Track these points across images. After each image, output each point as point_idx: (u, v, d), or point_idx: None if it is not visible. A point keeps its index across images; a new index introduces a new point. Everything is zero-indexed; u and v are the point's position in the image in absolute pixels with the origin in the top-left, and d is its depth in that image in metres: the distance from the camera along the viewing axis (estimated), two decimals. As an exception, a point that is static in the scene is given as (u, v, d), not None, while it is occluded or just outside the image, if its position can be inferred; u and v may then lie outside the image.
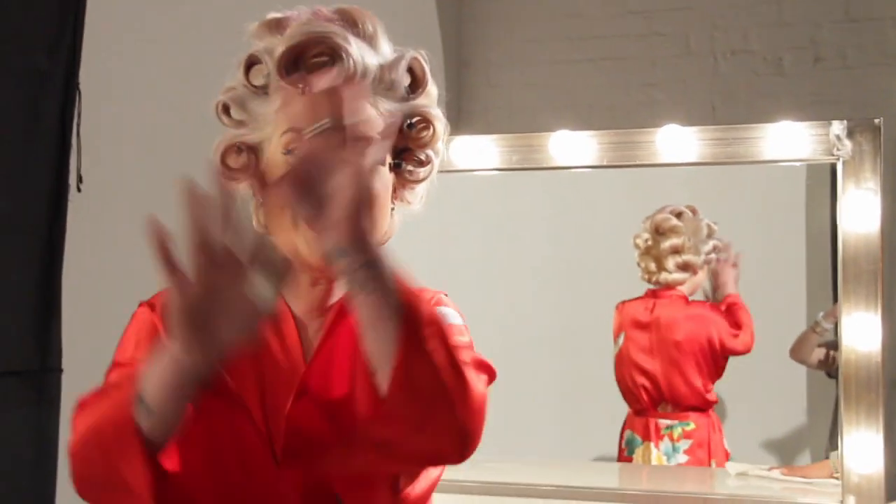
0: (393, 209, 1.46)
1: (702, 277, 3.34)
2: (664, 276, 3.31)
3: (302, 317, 1.45)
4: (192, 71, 2.62)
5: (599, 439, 3.52)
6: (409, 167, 1.47)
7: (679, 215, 3.31)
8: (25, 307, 2.28)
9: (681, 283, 3.31)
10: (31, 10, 2.30)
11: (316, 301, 1.45)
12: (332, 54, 1.37)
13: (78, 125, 2.40)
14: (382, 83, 1.41)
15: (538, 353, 3.62)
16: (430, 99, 1.47)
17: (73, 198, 2.39)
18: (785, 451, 3.50)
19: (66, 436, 2.25)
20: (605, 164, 2.69)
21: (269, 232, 1.42)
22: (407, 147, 1.46)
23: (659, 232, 3.31)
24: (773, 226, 3.56)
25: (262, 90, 1.41)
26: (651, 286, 3.36)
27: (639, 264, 3.35)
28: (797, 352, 3.33)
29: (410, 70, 1.44)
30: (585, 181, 3.15)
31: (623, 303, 3.43)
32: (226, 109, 1.44)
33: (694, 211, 3.33)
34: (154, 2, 2.82)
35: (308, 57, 1.37)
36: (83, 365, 2.38)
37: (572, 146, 2.72)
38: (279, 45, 1.38)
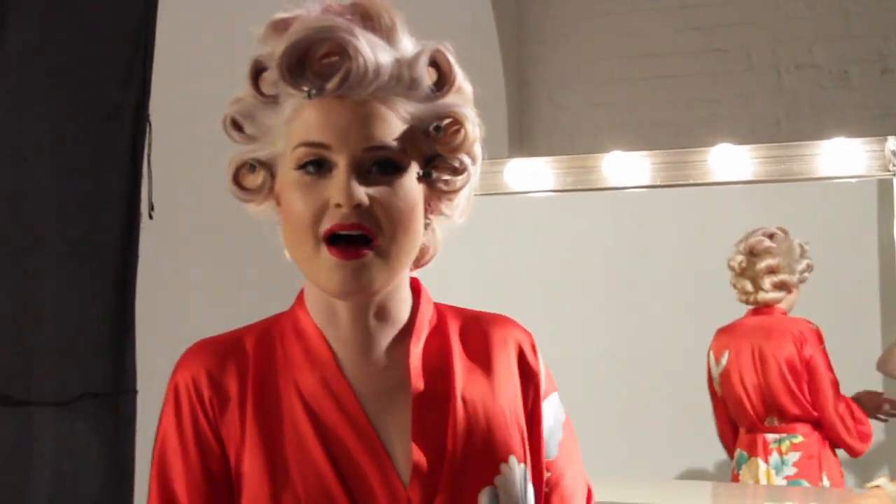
0: (428, 223, 1.31)
1: (796, 296, 3.37)
2: (761, 296, 3.35)
3: (348, 361, 1.30)
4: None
5: (657, 457, 3.53)
6: (444, 176, 1.29)
7: (772, 236, 3.35)
8: (101, 331, 2.35)
9: (777, 301, 3.35)
10: (104, 48, 2.38)
11: (366, 342, 1.30)
12: (341, 53, 1.21)
13: (149, 155, 2.45)
14: (401, 82, 1.24)
15: (598, 373, 3.64)
16: (463, 97, 1.31)
17: (145, 224, 2.44)
18: (864, 468, 3.46)
19: (142, 455, 2.34)
20: (658, 183, 2.72)
21: (290, 254, 1.28)
22: (437, 153, 1.28)
23: (754, 254, 3.35)
24: (844, 241, 3.53)
25: (273, 99, 1.26)
26: (749, 306, 3.40)
27: (734, 286, 3.39)
28: (885, 364, 3.31)
29: (435, 65, 1.27)
30: (641, 201, 3.16)
31: (722, 328, 3.46)
32: (235, 124, 1.29)
33: (785, 232, 3.36)
34: (219, 35, 2.90)
35: (315, 58, 1.22)
36: (157, 386, 2.46)
37: (626, 167, 2.76)
38: (280, 43, 1.23)
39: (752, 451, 3.32)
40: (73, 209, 2.33)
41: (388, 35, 1.25)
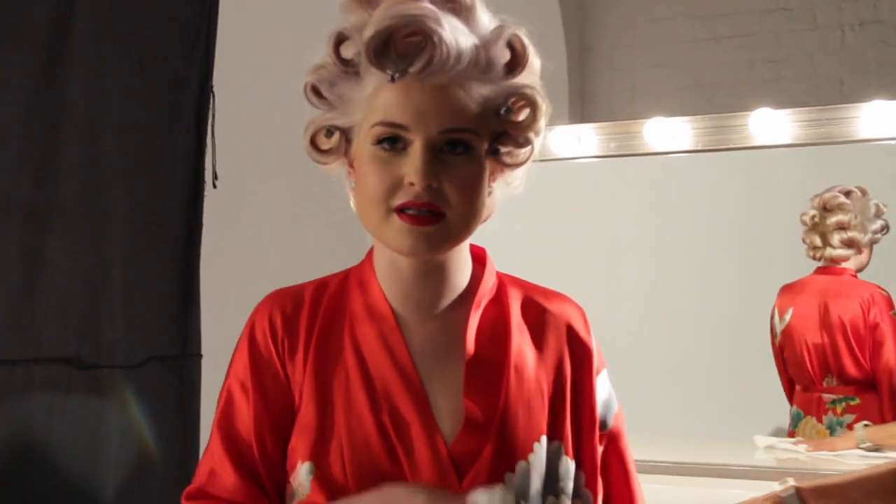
0: (490, 192, 1.37)
1: (867, 257, 3.35)
2: (829, 252, 3.32)
3: (406, 317, 1.38)
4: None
5: (701, 417, 3.55)
6: (510, 151, 1.36)
7: (848, 194, 3.33)
8: (167, 297, 2.42)
9: (845, 258, 3.32)
10: (169, 22, 2.44)
11: (424, 301, 1.38)
12: (425, 37, 1.26)
13: (212, 125, 2.50)
14: (478, 66, 1.30)
15: (639, 337, 3.65)
16: (532, 75, 1.37)
17: (209, 193, 2.50)
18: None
19: (207, 416, 2.42)
20: (700, 148, 2.75)
21: (360, 217, 1.35)
22: (504, 131, 1.35)
23: (826, 209, 3.33)
24: (885, 203, 3.50)
25: (353, 69, 1.32)
26: (818, 263, 3.39)
27: (804, 240, 3.38)
28: None
29: (510, 46, 1.33)
30: (684, 165, 3.17)
31: (787, 284, 3.46)
32: (315, 90, 1.35)
33: (863, 191, 3.34)
34: (280, 9, 2.95)
35: (398, 38, 1.27)
36: (221, 350, 2.55)
37: (667, 132, 2.80)
38: (368, 26, 1.28)
39: (807, 410, 3.31)
40: (140, 179, 2.40)
41: (467, 14, 1.32)
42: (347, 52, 1.32)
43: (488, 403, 1.34)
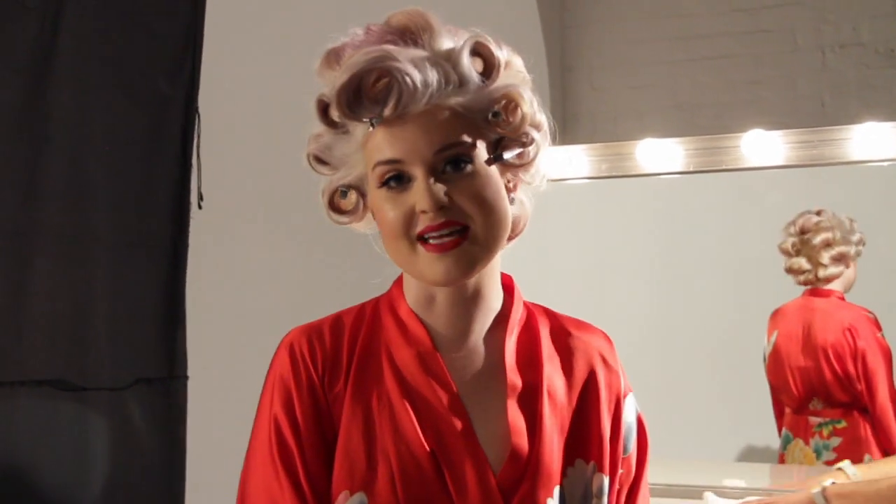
0: (512, 199, 1.40)
1: (854, 273, 3.35)
2: (821, 272, 3.31)
3: (442, 343, 1.40)
4: (304, 92, 2.74)
5: (691, 439, 3.55)
6: (515, 153, 1.37)
7: (819, 214, 3.34)
8: (153, 318, 2.40)
9: (837, 276, 3.31)
10: (154, 42, 2.43)
11: (461, 327, 1.40)
12: (390, 77, 1.30)
13: (198, 146, 2.50)
14: (451, 83, 1.32)
15: (632, 359, 3.63)
16: (513, 71, 1.39)
17: (195, 214, 2.49)
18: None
19: (194, 438, 2.41)
20: (692, 169, 2.75)
21: (392, 259, 1.38)
22: (502, 135, 1.36)
23: (805, 232, 3.32)
24: (878, 225, 3.51)
25: (342, 128, 1.36)
26: (806, 287, 3.38)
27: (790, 269, 3.36)
28: None
29: (477, 55, 1.35)
30: (676, 187, 3.17)
31: (777, 308, 3.46)
32: (317, 158, 1.40)
33: (824, 212, 3.35)
34: (267, 29, 2.94)
35: (367, 89, 1.30)
36: (207, 371, 2.54)
37: (659, 153, 2.81)
38: (334, 85, 1.32)
39: (796, 433, 3.31)
40: (125, 199, 2.38)
41: (429, 41, 1.34)
42: (334, 114, 1.36)
43: (528, 431, 1.36)
